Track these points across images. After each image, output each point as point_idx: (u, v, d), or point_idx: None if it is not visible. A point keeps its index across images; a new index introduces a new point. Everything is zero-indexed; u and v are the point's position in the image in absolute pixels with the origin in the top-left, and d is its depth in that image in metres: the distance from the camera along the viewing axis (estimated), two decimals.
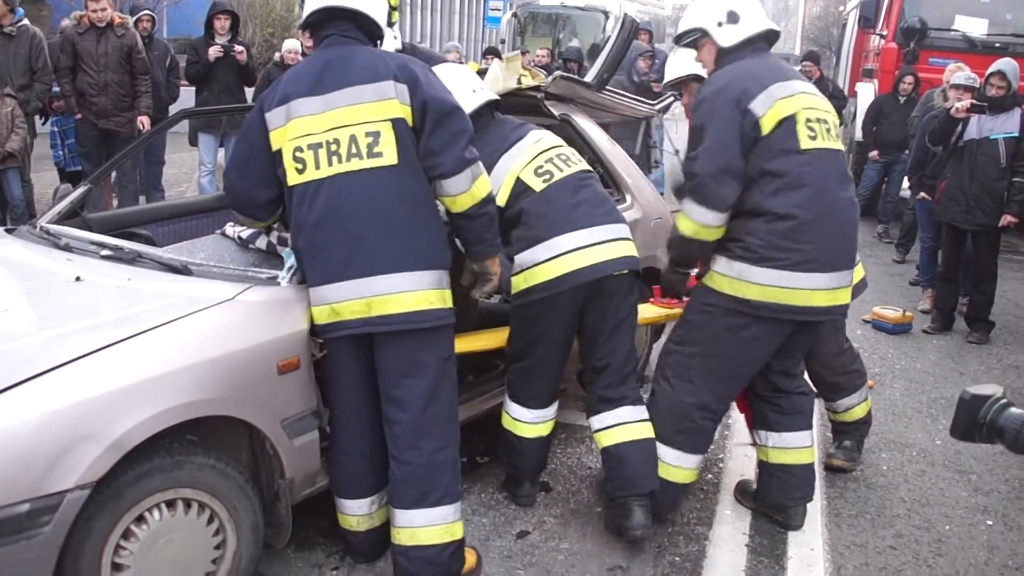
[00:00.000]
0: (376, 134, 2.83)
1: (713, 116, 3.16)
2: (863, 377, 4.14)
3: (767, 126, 3.13)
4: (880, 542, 3.54)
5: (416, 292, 2.85)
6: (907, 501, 3.89)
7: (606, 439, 3.43)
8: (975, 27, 10.08)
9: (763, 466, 3.61)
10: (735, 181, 3.13)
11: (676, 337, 3.47)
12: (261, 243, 3.48)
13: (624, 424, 3.40)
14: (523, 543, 3.41)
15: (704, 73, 3.66)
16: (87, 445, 2.31)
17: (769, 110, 3.13)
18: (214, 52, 7.74)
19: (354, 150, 2.83)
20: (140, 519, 2.51)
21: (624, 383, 3.46)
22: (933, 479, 4.11)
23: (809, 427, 3.58)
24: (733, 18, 3.30)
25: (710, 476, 4.01)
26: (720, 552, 3.42)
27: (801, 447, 3.52)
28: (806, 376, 3.74)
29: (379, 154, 2.83)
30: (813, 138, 3.18)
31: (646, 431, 3.41)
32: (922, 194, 7.02)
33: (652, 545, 3.42)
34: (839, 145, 3.33)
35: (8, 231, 3.65)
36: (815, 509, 3.72)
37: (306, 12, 2.99)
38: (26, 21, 6.96)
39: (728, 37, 3.31)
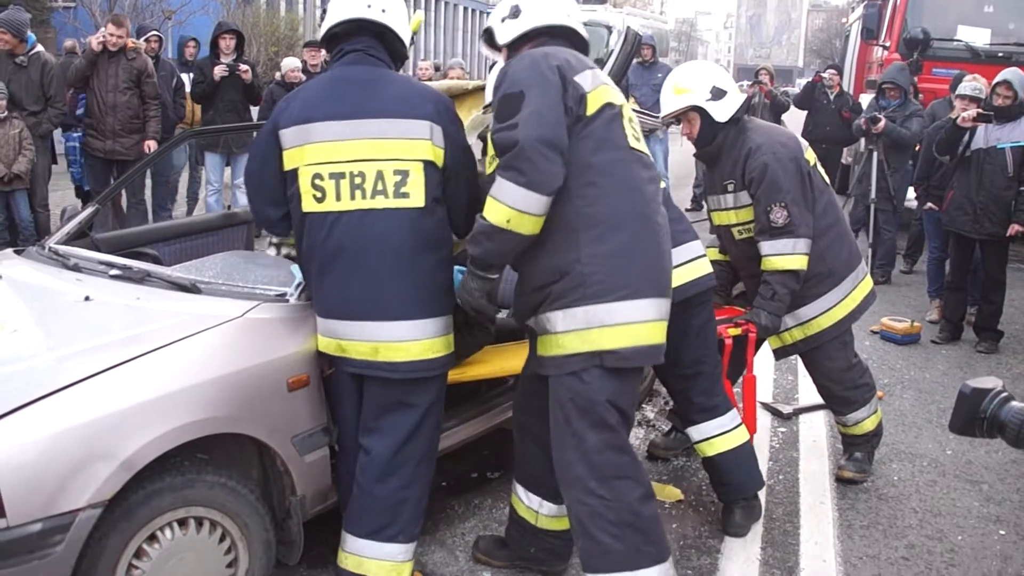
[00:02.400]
0: (405, 173, 2.74)
1: (533, 81, 2.58)
2: (872, 390, 4.13)
3: (592, 105, 2.64)
4: (893, 553, 3.52)
5: (423, 340, 2.81)
6: (919, 512, 3.87)
7: (710, 449, 3.53)
8: (978, 37, 10.08)
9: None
10: (562, 160, 2.54)
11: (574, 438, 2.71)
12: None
13: (725, 433, 3.51)
14: None
15: (704, 104, 3.65)
16: (98, 464, 2.32)
17: (595, 90, 2.66)
18: (219, 71, 7.81)
19: (379, 187, 2.73)
20: (152, 538, 2.52)
21: (715, 388, 3.53)
22: (944, 489, 4.09)
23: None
24: (514, 12, 2.85)
25: None
26: (732, 564, 3.40)
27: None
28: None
29: (406, 195, 2.75)
30: (637, 139, 2.77)
31: (743, 436, 3.57)
32: (929, 204, 7.02)
33: None
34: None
35: (17, 252, 3.67)
36: (827, 520, 3.71)
37: (328, 23, 2.85)
38: (39, 49, 6.99)
39: (505, 32, 2.87)
